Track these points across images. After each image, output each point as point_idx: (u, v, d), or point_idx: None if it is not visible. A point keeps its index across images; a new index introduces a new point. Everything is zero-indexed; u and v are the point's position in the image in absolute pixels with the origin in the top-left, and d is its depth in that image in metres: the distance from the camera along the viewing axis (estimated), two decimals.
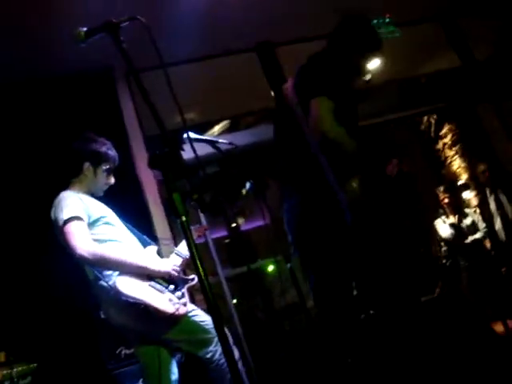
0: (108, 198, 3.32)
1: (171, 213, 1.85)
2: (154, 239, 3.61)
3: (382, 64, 7.55)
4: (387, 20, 6.33)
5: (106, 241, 3.03)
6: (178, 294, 3.14)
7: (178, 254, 3.43)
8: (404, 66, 7.49)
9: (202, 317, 3.20)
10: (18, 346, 3.74)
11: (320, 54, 3.37)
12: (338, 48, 3.34)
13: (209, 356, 3.15)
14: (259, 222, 6.79)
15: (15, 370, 3.52)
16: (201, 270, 1.74)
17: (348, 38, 3.31)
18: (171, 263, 3.22)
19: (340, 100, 2.90)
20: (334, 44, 3.38)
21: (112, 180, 3.36)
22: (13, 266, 4.43)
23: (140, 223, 3.52)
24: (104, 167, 3.29)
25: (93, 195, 3.28)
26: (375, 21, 6.21)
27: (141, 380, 3.48)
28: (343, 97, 2.97)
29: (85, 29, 2.08)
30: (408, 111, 6.80)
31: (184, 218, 1.77)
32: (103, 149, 3.30)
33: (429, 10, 6.71)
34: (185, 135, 2.43)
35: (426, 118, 8.77)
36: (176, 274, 3.20)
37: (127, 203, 3.54)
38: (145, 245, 3.37)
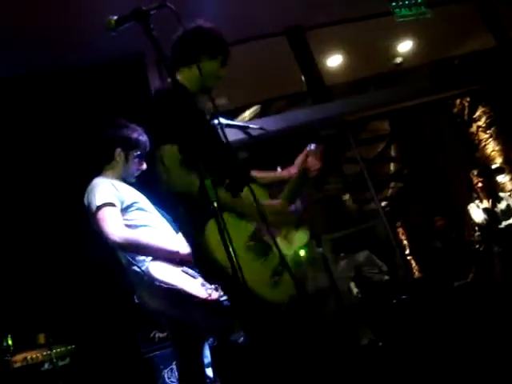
0: (140, 183, 3.34)
1: (202, 199, 1.86)
2: None
3: (413, 47, 7.46)
4: (418, 0, 6.25)
5: (138, 226, 3.05)
6: (197, 280, 3.15)
7: None
8: (437, 47, 7.37)
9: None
10: (57, 328, 3.82)
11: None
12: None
13: (241, 340, 3.18)
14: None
15: (54, 351, 3.61)
16: (232, 254, 1.75)
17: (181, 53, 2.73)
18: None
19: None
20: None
21: (144, 166, 3.38)
22: (52, 250, 4.53)
23: (171, 210, 3.54)
24: (135, 153, 3.31)
25: (125, 181, 3.30)
26: (407, 1, 6.15)
27: (174, 363, 3.52)
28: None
29: (115, 17, 2.10)
30: (441, 94, 6.67)
31: (215, 204, 1.78)
32: (134, 135, 3.32)
33: None
34: (216, 121, 2.43)
35: (458, 100, 8.61)
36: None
37: (159, 190, 3.56)
38: (177, 230, 3.39)
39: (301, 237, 2.70)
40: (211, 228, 2.25)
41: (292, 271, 2.34)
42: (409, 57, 7.60)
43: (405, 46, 7.49)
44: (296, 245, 2.62)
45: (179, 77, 2.63)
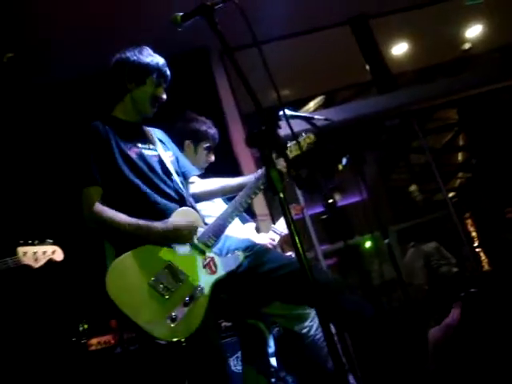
0: (207, 175, 3.40)
1: (269, 190, 1.88)
2: (252, 216, 3.67)
3: (483, 31, 7.21)
4: None
5: (205, 216, 3.10)
6: None
7: (274, 231, 3.49)
8: (507, 31, 7.11)
9: None
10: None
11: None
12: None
13: (305, 331, 3.20)
14: (356, 198, 6.73)
15: (125, 336, 3.75)
16: (299, 245, 1.76)
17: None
18: (268, 237, 3.28)
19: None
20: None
21: (212, 157, 3.44)
22: None
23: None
24: (204, 145, 3.38)
25: None
26: None
27: (239, 352, 3.57)
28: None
29: (181, 13, 2.15)
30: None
31: (282, 195, 1.80)
32: (203, 127, 3.40)
33: None
34: (281, 112, 2.45)
35: None
36: (271, 247, 3.26)
37: None
38: (243, 221, 3.44)
39: (225, 264, 2.48)
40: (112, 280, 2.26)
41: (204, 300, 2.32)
42: (478, 42, 7.36)
43: (474, 31, 7.26)
44: (220, 272, 2.45)
45: (116, 114, 2.72)
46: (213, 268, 2.44)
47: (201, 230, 2.51)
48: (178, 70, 5.40)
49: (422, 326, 4.94)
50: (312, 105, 7.45)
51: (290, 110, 3.23)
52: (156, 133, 2.87)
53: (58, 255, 3.15)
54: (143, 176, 2.52)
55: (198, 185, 2.89)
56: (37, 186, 4.96)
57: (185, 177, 2.82)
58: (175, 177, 2.65)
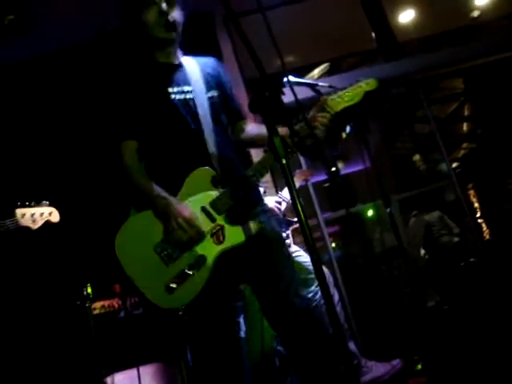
0: None
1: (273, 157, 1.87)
2: None
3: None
4: None
5: None
6: (283, 235, 3.20)
7: (281, 197, 3.51)
8: None
9: (305, 258, 3.27)
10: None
11: None
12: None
13: (310, 295, 3.25)
14: (359, 166, 6.73)
15: (129, 301, 3.79)
16: (301, 212, 1.76)
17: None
18: (274, 200, 3.30)
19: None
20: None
21: None
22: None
23: None
24: None
25: None
26: None
27: (242, 316, 3.61)
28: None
29: None
30: None
31: (284, 161, 1.80)
32: None
33: None
34: (284, 79, 2.42)
35: None
36: (278, 211, 3.28)
37: None
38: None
39: (235, 234, 2.28)
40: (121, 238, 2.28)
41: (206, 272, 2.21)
42: (487, 9, 7.24)
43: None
44: (227, 243, 2.26)
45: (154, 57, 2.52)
46: (220, 238, 2.28)
47: (215, 193, 2.30)
48: (182, 35, 5.42)
49: (421, 296, 4.98)
50: (317, 72, 7.39)
51: (294, 76, 3.21)
52: (200, 65, 2.60)
53: (55, 217, 3.14)
54: (164, 128, 2.36)
55: (247, 128, 2.63)
56: (32, 147, 4.96)
57: (233, 119, 2.58)
58: (206, 124, 2.38)
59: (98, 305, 3.91)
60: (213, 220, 2.28)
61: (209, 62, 2.65)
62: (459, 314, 4.77)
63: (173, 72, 2.47)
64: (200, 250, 2.24)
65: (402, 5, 6.85)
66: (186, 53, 2.66)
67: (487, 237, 9.31)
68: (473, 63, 6.27)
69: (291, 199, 1.79)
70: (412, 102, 7.17)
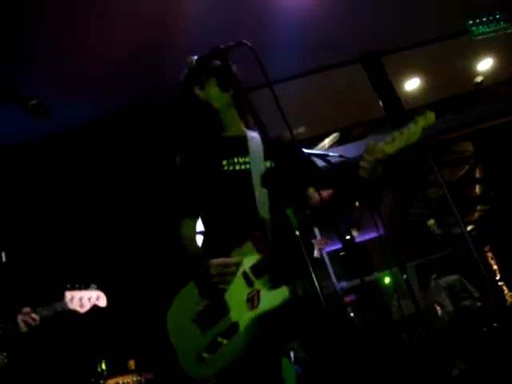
0: None
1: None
2: None
3: (494, 64, 7.26)
4: (498, 16, 6.09)
5: None
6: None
7: None
8: None
9: None
10: (146, 355, 3.96)
11: None
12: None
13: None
14: (373, 234, 6.71)
15: (143, 377, 3.74)
16: (316, 284, 1.75)
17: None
18: None
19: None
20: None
21: None
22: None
23: None
24: None
25: None
26: (484, 18, 6.00)
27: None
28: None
29: (195, 57, 2.20)
30: None
31: (297, 233, 1.80)
32: None
33: None
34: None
35: None
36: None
37: None
38: None
39: (270, 298, 2.15)
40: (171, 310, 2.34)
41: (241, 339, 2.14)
42: (490, 75, 7.41)
43: (485, 64, 7.32)
44: (262, 307, 2.14)
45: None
46: (255, 303, 2.16)
47: (257, 257, 2.21)
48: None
49: (444, 364, 4.86)
50: (327, 142, 7.50)
51: (304, 147, 3.26)
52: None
53: (102, 301, 3.11)
54: (218, 200, 2.39)
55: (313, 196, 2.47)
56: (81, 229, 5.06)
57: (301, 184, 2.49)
58: (258, 193, 2.36)
59: (112, 382, 3.84)
60: (250, 284, 2.20)
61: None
62: (486, 382, 4.63)
63: (231, 143, 2.50)
64: (234, 316, 2.18)
65: (407, 73, 7.02)
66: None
67: (510, 300, 9.12)
68: (480, 126, 6.35)
69: (306, 273, 1.78)
70: (423, 168, 7.22)
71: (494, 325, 5.48)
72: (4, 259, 2.61)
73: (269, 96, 2.11)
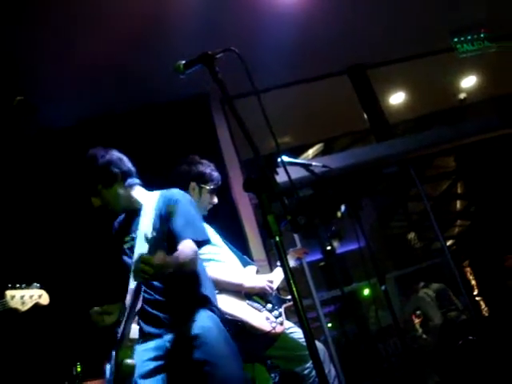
0: (206, 220, 3.43)
1: (266, 234, 1.90)
2: (250, 260, 3.68)
3: (477, 81, 7.36)
4: (482, 35, 6.19)
5: (209, 260, 3.11)
6: (276, 313, 3.19)
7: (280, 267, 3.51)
8: (502, 81, 7.26)
9: (301, 333, 3.22)
10: None
11: None
12: None
13: (306, 372, 3.20)
14: (354, 245, 6.75)
15: None
16: (294, 290, 1.77)
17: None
18: (265, 278, 3.28)
19: None
20: None
21: (215, 200, 3.47)
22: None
23: (236, 245, 3.61)
24: (208, 187, 3.42)
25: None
26: (469, 36, 6.09)
27: None
28: None
29: (183, 62, 2.22)
30: (507, 129, 6.54)
31: (278, 239, 1.82)
32: (208, 170, 3.45)
33: None
34: (278, 159, 2.49)
35: None
36: (270, 290, 3.26)
37: (224, 225, 3.63)
38: (245, 264, 3.45)
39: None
40: None
41: None
42: (473, 92, 7.52)
43: (468, 82, 7.43)
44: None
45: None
46: None
47: None
48: (178, 116, 5.57)
49: (419, 376, 4.89)
50: (311, 152, 7.55)
51: (288, 156, 3.29)
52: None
53: (45, 299, 3.11)
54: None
55: None
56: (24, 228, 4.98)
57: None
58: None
59: None
60: None
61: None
62: None
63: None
64: None
65: (393, 87, 7.10)
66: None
67: (486, 315, 9.20)
68: (462, 142, 6.42)
69: (285, 277, 1.80)
70: (405, 181, 7.29)
71: (470, 338, 5.52)
72: None
73: (255, 104, 2.13)
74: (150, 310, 2.51)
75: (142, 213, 2.61)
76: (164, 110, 5.56)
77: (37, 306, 3.05)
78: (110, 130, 5.35)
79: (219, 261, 3.19)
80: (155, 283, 2.51)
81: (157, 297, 2.52)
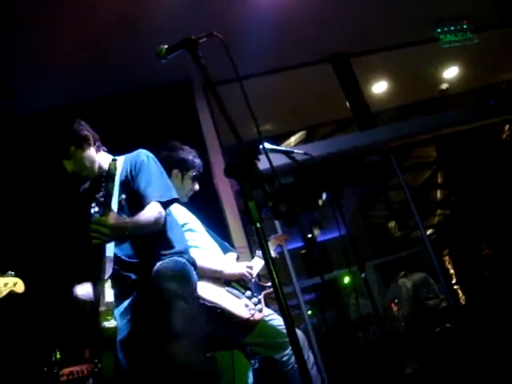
0: (187, 206, 3.42)
1: (247, 221, 1.90)
2: (231, 247, 3.68)
3: (459, 72, 7.41)
4: (464, 26, 6.22)
5: (189, 247, 3.10)
6: (255, 300, 3.19)
7: (259, 257, 3.50)
8: (483, 73, 7.31)
9: (280, 321, 3.24)
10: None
11: None
12: None
13: (285, 359, 3.21)
14: (335, 233, 6.79)
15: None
16: (275, 277, 1.77)
17: None
18: (245, 265, 3.28)
19: None
20: None
21: (197, 186, 3.46)
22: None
23: (217, 231, 3.60)
24: (190, 174, 3.41)
25: (178, 201, 3.37)
26: (452, 27, 6.12)
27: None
28: None
29: (166, 46, 2.19)
30: (488, 120, 6.60)
31: (259, 225, 1.82)
32: (190, 156, 3.43)
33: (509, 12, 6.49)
34: (260, 146, 2.48)
35: (507, 126, 8.47)
36: (249, 277, 3.26)
37: (205, 211, 3.62)
38: (225, 251, 3.45)
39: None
40: None
41: None
42: (455, 83, 7.56)
43: (451, 72, 7.47)
44: None
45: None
46: None
47: None
48: (160, 102, 5.53)
49: (398, 363, 4.94)
50: (293, 139, 7.55)
51: (269, 143, 3.28)
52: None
53: (19, 287, 3.09)
54: None
55: None
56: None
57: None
58: None
59: (66, 371, 3.78)
60: None
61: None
62: (436, 381, 4.72)
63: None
64: None
65: (376, 76, 7.11)
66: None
67: (463, 303, 9.32)
68: (443, 132, 6.47)
69: (265, 263, 1.80)
70: (386, 170, 7.32)
71: (447, 325, 5.59)
72: None
73: (237, 90, 2.12)
74: (123, 272, 2.56)
75: (108, 177, 2.63)
76: (146, 96, 5.51)
77: (12, 293, 3.03)
78: (88, 116, 5.28)
79: (199, 247, 3.18)
80: (126, 246, 2.58)
81: (127, 259, 2.57)
